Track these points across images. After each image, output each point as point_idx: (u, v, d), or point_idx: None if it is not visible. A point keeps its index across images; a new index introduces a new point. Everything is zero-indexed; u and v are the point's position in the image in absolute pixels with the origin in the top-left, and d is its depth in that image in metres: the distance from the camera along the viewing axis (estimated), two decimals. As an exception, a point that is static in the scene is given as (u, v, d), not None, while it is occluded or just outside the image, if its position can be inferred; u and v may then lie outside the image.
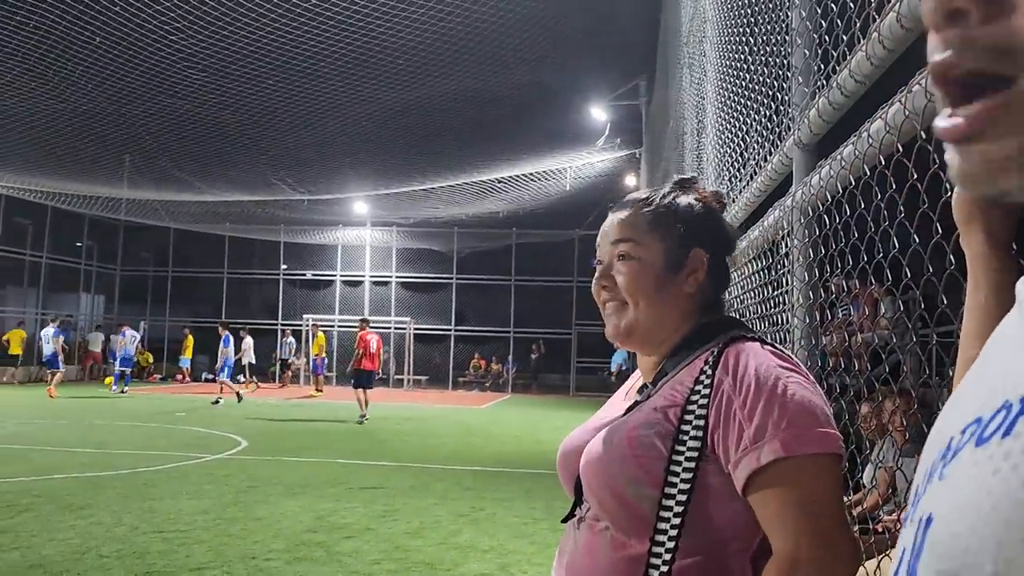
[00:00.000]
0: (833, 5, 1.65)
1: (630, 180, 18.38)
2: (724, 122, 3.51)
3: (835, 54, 1.63)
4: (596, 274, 1.25)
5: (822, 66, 1.77)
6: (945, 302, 1.22)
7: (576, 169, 18.40)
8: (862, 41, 1.39)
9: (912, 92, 1.17)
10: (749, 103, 2.77)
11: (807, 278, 1.89)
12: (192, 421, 13.27)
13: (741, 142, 2.96)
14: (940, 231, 1.14)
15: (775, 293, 2.36)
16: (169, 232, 26.30)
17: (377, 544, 5.59)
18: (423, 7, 10.08)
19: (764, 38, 2.46)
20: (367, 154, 17.41)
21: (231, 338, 17.22)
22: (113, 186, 18.74)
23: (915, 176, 1.24)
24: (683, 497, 1.05)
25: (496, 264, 26.11)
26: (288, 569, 4.91)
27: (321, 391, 20.92)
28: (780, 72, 2.22)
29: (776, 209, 2.15)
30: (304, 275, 27.45)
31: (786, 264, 2.11)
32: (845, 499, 1.19)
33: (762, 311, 2.57)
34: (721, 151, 3.63)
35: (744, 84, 2.88)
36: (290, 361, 23.62)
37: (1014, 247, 0.75)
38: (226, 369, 16.95)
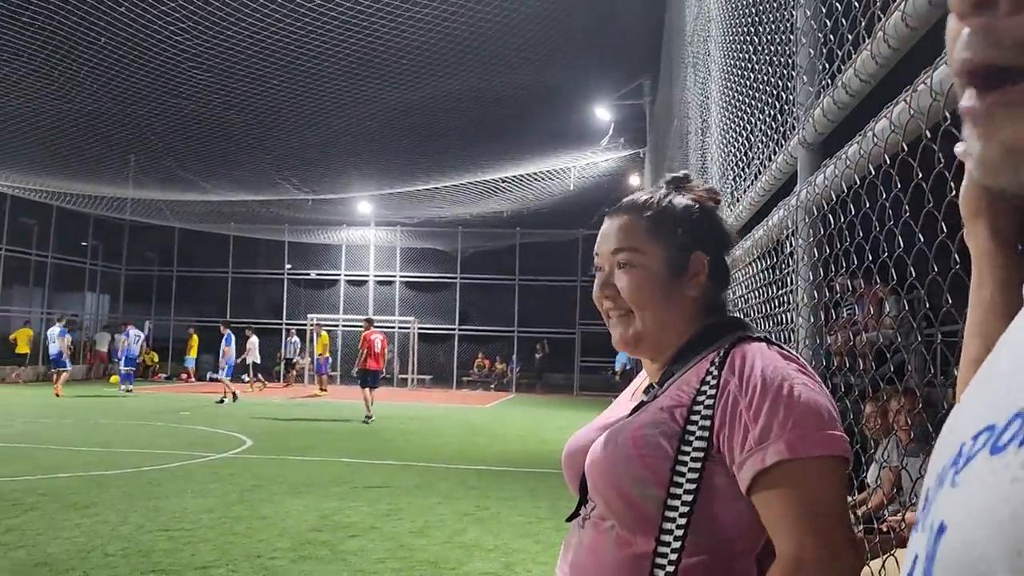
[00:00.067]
0: (838, 4, 1.65)
1: (634, 180, 18.37)
2: (728, 121, 3.50)
3: (840, 53, 1.63)
4: (597, 282, 1.24)
5: (827, 65, 1.77)
6: (950, 301, 1.22)
7: (580, 169, 18.39)
8: (867, 40, 1.39)
9: (917, 91, 1.17)
10: (753, 102, 2.77)
11: (811, 277, 1.89)
12: (197, 420, 13.30)
13: (745, 141, 2.96)
14: (945, 230, 1.14)
15: (779, 292, 2.36)
16: (174, 232, 26.36)
17: (382, 543, 5.60)
18: (427, 7, 10.09)
19: (768, 37, 2.46)
20: (371, 154, 17.42)
21: (233, 337, 17.25)
22: (118, 186, 18.78)
23: (920, 175, 1.24)
24: (689, 497, 1.05)
25: (500, 264, 26.11)
26: (293, 568, 4.92)
27: (325, 390, 20.95)
28: (785, 71, 2.22)
29: (780, 208, 2.15)
30: (308, 275, 27.49)
31: (790, 263, 2.10)
32: (849, 499, 1.19)
33: (766, 310, 2.57)
34: (725, 150, 3.62)
35: (748, 83, 2.88)
36: (295, 361, 23.66)
37: (1020, 245, 0.74)
38: (227, 368, 16.98)
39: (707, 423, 1.07)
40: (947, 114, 1.10)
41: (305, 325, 24.14)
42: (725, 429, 1.06)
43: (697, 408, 1.09)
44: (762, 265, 2.58)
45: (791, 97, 2.11)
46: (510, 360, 25.52)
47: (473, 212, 22.81)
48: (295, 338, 23.50)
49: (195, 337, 21.39)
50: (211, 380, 17.29)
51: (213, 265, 27.44)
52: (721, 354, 1.12)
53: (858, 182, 1.50)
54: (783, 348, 1.14)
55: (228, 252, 27.03)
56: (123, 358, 19.55)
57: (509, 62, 11.67)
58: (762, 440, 1.01)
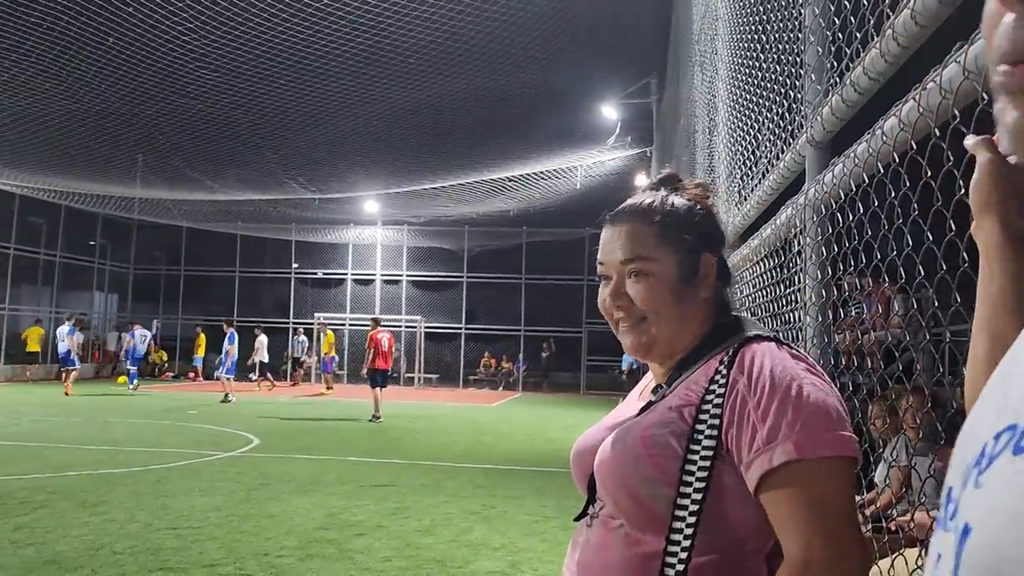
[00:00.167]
0: (846, 2, 1.64)
1: (640, 179, 18.34)
2: (736, 120, 3.50)
3: (848, 51, 1.63)
4: (606, 292, 1.23)
5: (835, 64, 1.76)
6: (959, 300, 1.22)
7: (587, 168, 18.37)
8: (876, 38, 1.38)
9: (927, 89, 1.16)
10: (761, 101, 2.76)
11: (819, 276, 1.88)
12: (204, 419, 13.34)
13: (753, 140, 2.95)
14: (954, 229, 1.13)
15: (787, 291, 2.36)
16: (182, 231, 26.44)
17: (388, 541, 5.61)
18: (434, 6, 10.09)
19: (777, 36, 2.45)
20: (378, 153, 17.44)
21: (235, 335, 17.30)
22: (126, 185, 18.86)
23: (929, 174, 1.24)
24: (698, 496, 1.05)
25: (507, 262, 26.12)
26: (300, 566, 4.94)
27: (331, 388, 21.00)
28: (793, 70, 2.21)
29: (789, 207, 2.14)
30: (315, 274, 27.55)
31: (798, 262, 2.10)
32: (857, 498, 1.19)
33: (774, 309, 2.57)
34: (733, 149, 3.62)
35: (756, 82, 2.87)
36: (302, 359, 23.71)
37: None
38: (230, 366, 17.02)
39: (716, 422, 1.07)
40: (956, 112, 1.09)
41: (312, 324, 24.20)
42: (733, 428, 1.05)
43: (706, 407, 1.09)
44: (770, 264, 2.58)
45: (799, 95, 2.10)
46: (516, 359, 25.53)
47: (480, 211, 22.82)
48: (302, 337, 23.56)
49: (202, 336, 21.47)
50: (219, 379, 17.33)
51: (220, 264, 27.53)
52: (730, 353, 1.12)
53: (867, 180, 1.49)
54: (792, 347, 1.14)
55: (235, 251, 27.11)
56: (129, 357, 19.64)
57: (516, 61, 11.67)
58: (770, 440, 1.01)
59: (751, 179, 2.99)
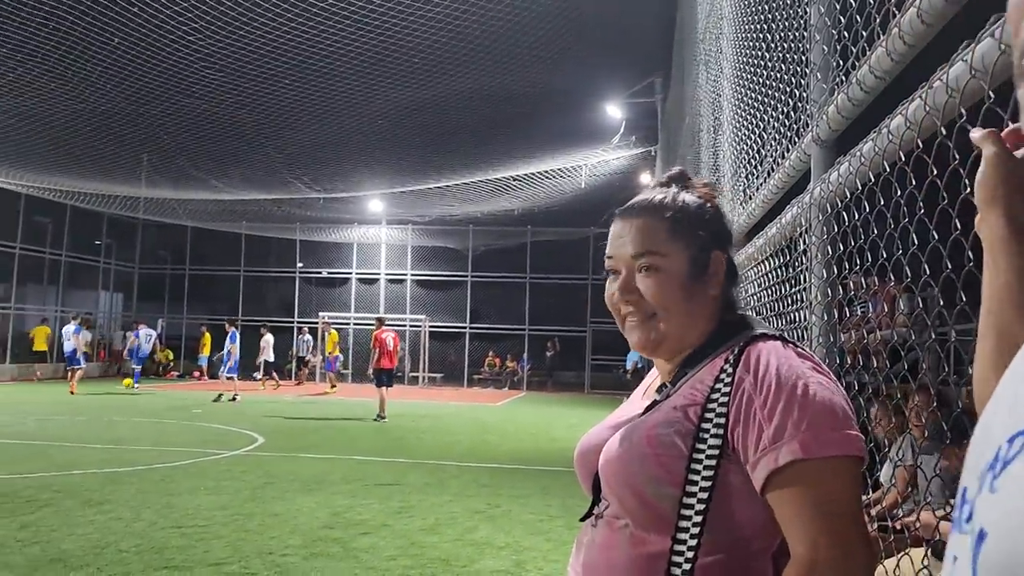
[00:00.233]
0: (852, 1, 1.64)
1: (645, 178, 18.32)
2: (741, 119, 3.49)
3: (854, 50, 1.62)
4: (615, 286, 1.23)
5: (841, 62, 1.76)
6: (964, 299, 1.21)
7: (591, 167, 18.36)
8: (882, 36, 1.38)
9: (933, 88, 1.16)
10: (766, 100, 2.76)
11: (825, 275, 1.88)
12: (209, 418, 13.37)
13: (758, 139, 2.94)
14: (960, 228, 1.13)
15: (792, 290, 2.35)
16: (186, 230, 26.51)
17: (393, 540, 5.61)
18: (439, 5, 10.10)
19: (782, 34, 2.45)
20: (383, 152, 17.46)
21: (237, 334, 17.34)
22: (131, 185, 18.91)
23: (935, 173, 1.23)
24: (704, 495, 1.04)
25: (511, 262, 26.13)
26: (305, 565, 4.94)
27: (335, 387, 21.03)
28: (798, 68, 2.21)
29: (794, 206, 2.14)
30: (320, 273, 27.58)
31: (804, 261, 2.10)
32: (863, 498, 1.18)
33: (779, 308, 2.56)
34: (738, 148, 3.61)
35: (761, 81, 2.87)
36: (307, 359, 23.74)
37: None
38: (233, 365, 17.06)
39: (722, 421, 1.07)
40: (963, 111, 1.09)
41: (316, 323, 24.24)
42: (739, 427, 1.05)
43: (711, 406, 1.09)
44: (775, 263, 2.57)
45: (804, 94, 2.10)
46: (521, 358, 25.53)
47: (484, 210, 22.82)
48: (308, 336, 23.59)
49: (207, 335, 21.52)
50: (227, 379, 17.36)
51: (225, 263, 27.59)
52: (736, 352, 1.11)
53: (872, 179, 1.49)
54: (798, 346, 1.13)
55: (240, 250, 27.16)
56: (134, 356, 19.69)
57: (520, 60, 11.66)
58: (776, 439, 1.01)
59: (756, 178, 2.98)
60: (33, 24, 10.40)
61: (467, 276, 26.44)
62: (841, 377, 1.84)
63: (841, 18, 1.76)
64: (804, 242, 2.08)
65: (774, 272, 2.61)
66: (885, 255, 1.53)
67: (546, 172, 18.12)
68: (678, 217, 1.21)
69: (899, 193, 1.41)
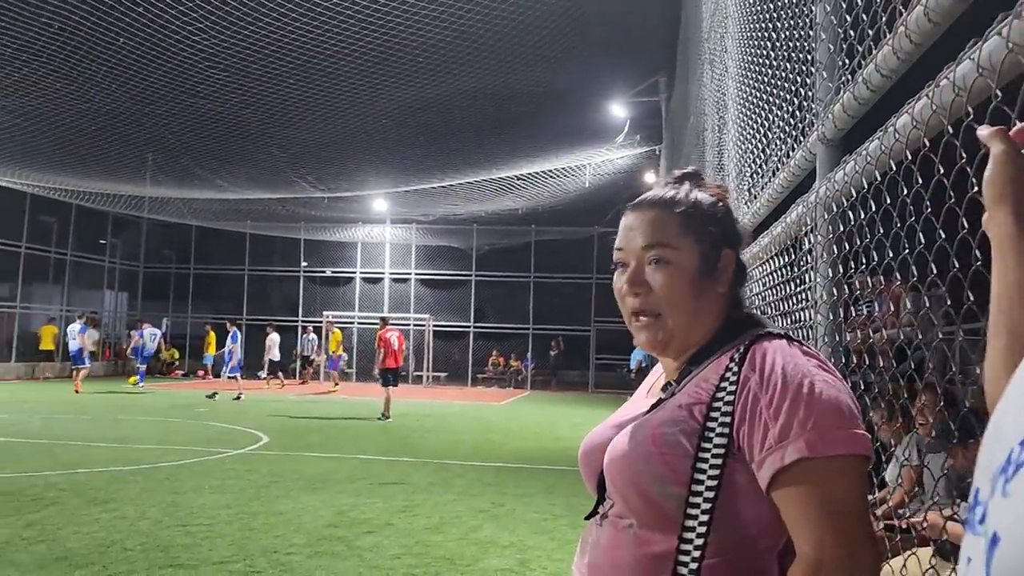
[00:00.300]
0: (858, -1, 1.63)
1: (649, 177, 18.31)
2: (746, 118, 3.48)
3: (860, 48, 1.62)
4: (625, 278, 1.21)
5: (847, 61, 1.75)
6: (971, 299, 1.21)
7: (595, 166, 18.36)
8: (888, 35, 1.38)
9: (940, 87, 1.16)
10: (771, 98, 2.76)
11: (830, 274, 1.88)
12: (214, 417, 13.40)
13: (763, 138, 2.94)
14: (966, 227, 1.13)
15: (797, 289, 2.35)
16: (191, 229, 26.57)
17: (397, 539, 5.62)
18: (443, 4, 10.10)
19: (787, 33, 2.44)
20: (387, 151, 17.48)
21: (238, 334, 17.37)
22: (136, 184, 18.96)
23: (942, 171, 1.23)
24: (710, 495, 1.04)
25: (515, 261, 26.14)
26: (309, 563, 4.95)
27: (338, 386, 21.06)
28: (803, 67, 2.20)
29: (799, 205, 2.13)
30: (324, 272, 27.62)
31: (809, 260, 2.09)
32: (869, 497, 1.18)
33: (784, 308, 2.56)
34: (743, 147, 3.61)
35: (766, 79, 2.86)
36: (312, 358, 23.79)
37: None
38: (232, 364, 17.09)
39: (727, 420, 1.06)
40: (970, 110, 1.09)
41: (321, 322, 24.29)
42: (745, 426, 1.05)
43: (717, 405, 1.08)
44: (780, 262, 2.57)
45: (810, 93, 2.09)
46: (525, 357, 25.54)
47: (488, 209, 22.83)
48: (312, 335, 23.63)
49: (212, 334, 21.57)
50: (230, 378, 17.41)
51: (230, 263, 27.64)
52: (741, 350, 1.11)
53: (878, 178, 1.48)
54: (804, 345, 1.13)
55: (244, 250, 27.22)
56: (138, 355, 19.74)
57: (525, 59, 11.66)
58: (782, 438, 1.00)
59: (761, 177, 2.98)
60: (38, 24, 10.42)
61: (471, 275, 26.45)
62: (847, 376, 1.83)
63: (847, 16, 1.75)
64: (809, 241, 2.08)
65: (779, 271, 2.60)
66: (892, 254, 1.53)
67: (550, 171, 18.12)
68: (691, 212, 1.21)
69: (905, 192, 1.40)
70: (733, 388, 1.08)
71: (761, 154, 2.99)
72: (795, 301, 2.40)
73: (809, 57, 2.11)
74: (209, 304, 27.89)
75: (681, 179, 1.28)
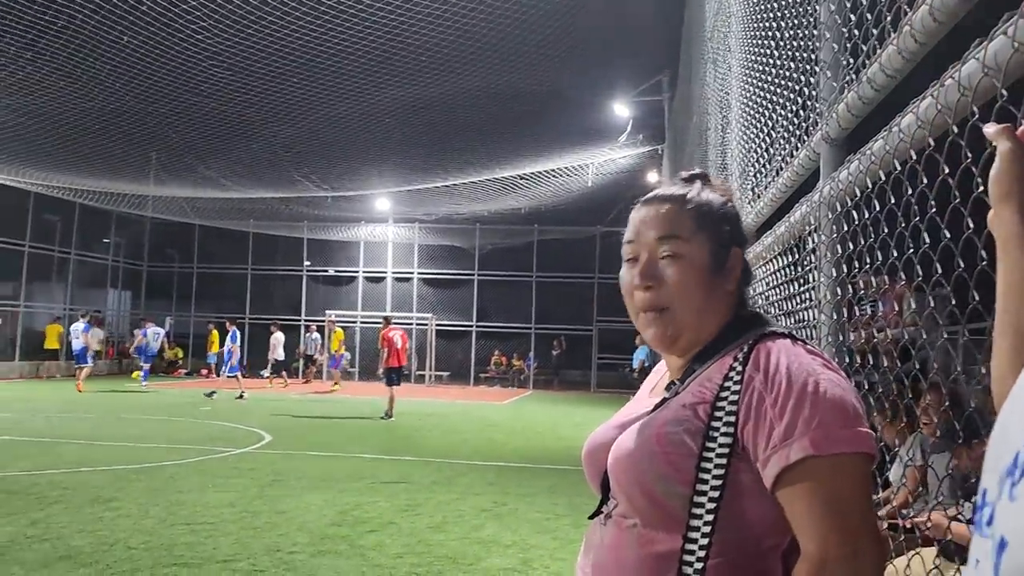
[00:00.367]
0: (862, -2, 1.63)
1: (652, 176, 18.30)
2: (749, 117, 3.48)
3: (865, 48, 1.62)
4: (634, 271, 1.22)
5: (851, 60, 1.75)
6: (976, 298, 1.21)
7: (598, 165, 18.35)
8: (893, 35, 1.37)
9: (944, 86, 1.16)
10: (775, 98, 2.75)
11: (834, 274, 1.88)
12: (217, 416, 13.41)
13: (767, 137, 2.94)
14: (971, 226, 1.13)
15: (801, 289, 2.35)
16: (194, 228, 26.59)
17: (400, 538, 5.62)
18: (446, 3, 10.10)
19: (791, 32, 2.44)
20: (390, 151, 17.49)
21: (238, 333, 17.40)
22: (140, 183, 18.98)
23: (947, 171, 1.23)
24: (715, 494, 1.04)
25: (518, 260, 26.15)
26: (312, 562, 4.96)
27: (339, 385, 21.07)
28: (807, 67, 2.20)
29: (803, 204, 2.13)
30: (327, 271, 27.64)
31: (813, 260, 2.09)
32: (874, 497, 1.18)
33: (788, 307, 2.56)
34: (746, 146, 3.60)
35: (770, 79, 2.86)
36: (315, 357, 23.80)
37: None
38: (231, 363, 17.10)
39: (732, 419, 1.07)
40: (975, 109, 1.09)
41: (323, 321, 24.31)
42: (750, 425, 1.05)
43: (721, 404, 1.08)
44: (784, 261, 2.57)
45: (814, 92, 2.09)
46: (527, 357, 25.54)
47: (491, 209, 22.83)
48: (315, 335, 23.65)
49: (215, 333, 21.59)
50: (230, 377, 17.43)
51: (233, 262, 27.67)
52: (745, 350, 1.11)
53: (883, 178, 1.48)
54: (808, 344, 1.13)
55: (248, 249, 27.24)
56: (142, 354, 19.78)
57: (528, 59, 11.66)
58: (787, 437, 1.01)
59: (765, 176, 2.97)
60: (43, 22, 10.44)
61: (474, 275, 26.46)
62: (850, 376, 1.83)
63: (851, 16, 1.75)
64: (813, 241, 2.08)
65: (783, 271, 2.60)
66: (896, 254, 1.53)
67: (552, 171, 18.11)
68: (703, 210, 1.22)
69: (910, 191, 1.40)
70: (737, 387, 1.08)
71: (765, 153, 2.99)
72: (799, 300, 2.40)
73: (813, 56, 2.11)
74: (212, 303, 27.92)
75: (691, 179, 1.29)
